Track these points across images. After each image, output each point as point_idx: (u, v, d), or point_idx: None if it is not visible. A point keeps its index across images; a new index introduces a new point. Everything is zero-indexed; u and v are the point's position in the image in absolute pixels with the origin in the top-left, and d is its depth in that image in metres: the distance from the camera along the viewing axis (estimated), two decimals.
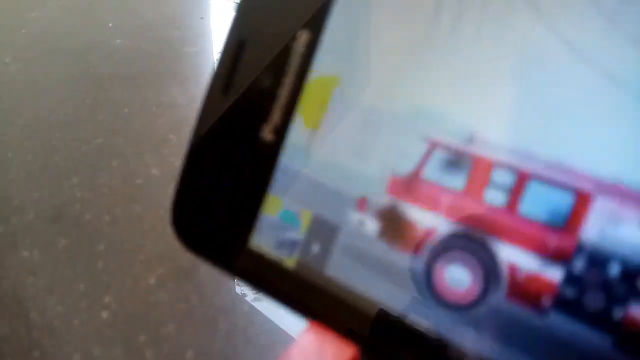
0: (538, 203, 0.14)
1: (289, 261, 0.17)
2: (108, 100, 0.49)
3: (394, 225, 0.15)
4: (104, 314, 0.29)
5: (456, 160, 0.15)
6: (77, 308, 0.30)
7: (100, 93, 0.50)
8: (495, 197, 0.14)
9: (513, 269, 0.14)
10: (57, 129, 0.45)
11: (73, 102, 0.48)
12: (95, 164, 0.41)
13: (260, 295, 0.17)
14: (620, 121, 0.13)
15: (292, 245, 0.17)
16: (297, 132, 0.17)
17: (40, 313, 0.28)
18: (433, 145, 0.15)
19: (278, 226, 0.17)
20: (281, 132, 0.17)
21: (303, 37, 0.17)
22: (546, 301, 0.13)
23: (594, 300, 0.13)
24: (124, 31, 0.64)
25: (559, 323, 0.13)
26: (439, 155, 0.15)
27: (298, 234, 0.17)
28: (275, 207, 0.17)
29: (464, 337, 0.14)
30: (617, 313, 0.12)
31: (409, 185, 0.15)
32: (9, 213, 0.36)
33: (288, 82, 0.17)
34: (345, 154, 0.16)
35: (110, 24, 0.66)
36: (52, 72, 0.53)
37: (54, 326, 0.28)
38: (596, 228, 0.13)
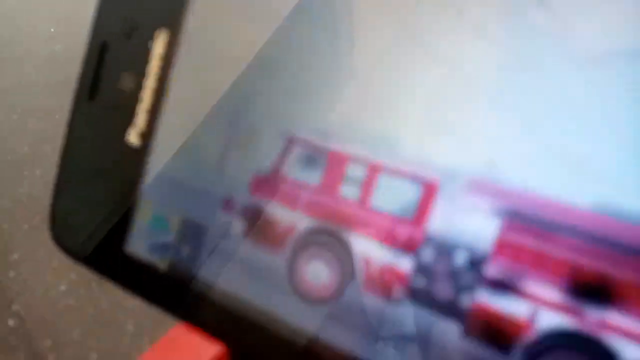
0: (388, 195, 0.13)
1: (162, 264, 0.16)
2: (39, 108, 0.47)
3: (258, 224, 0.15)
4: (10, 322, 0.28)
5: (313, 156, 0.14)
6: None
7: (32, 101, 0.48)
8: (349, 191, 0.13)
9: (367, 262, 0.13)
10: None
11: (2, 111, 0.46)
12: (18, 174, 0.39)
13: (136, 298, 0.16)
14: (465, 110, 0.13)
15: (163, 248, 0.16)
16: (164, 135, 0.16)
17: None
18: (291, 142, 0.14)
19: (150, 230, 0.16)
20: (147, 135, 0.16)
21: (162, 36, 0.16)
22: (398, 292, 0.13)
23: (442, 290, 0.12)
24: (66, 36, 0.62)
25: (411, 313, 0.12)
26: (297, 152, 0.14)
27: (169, 237, 0.16)
28: (147, 211, 0.16)
29: (327, 332, 0.13)
30: (465, 302, 0.12)
31: (271, 183, 0.14)
32: None
33: (150, 83, 0.16)
34: (210, 155, 0.16)
35: (52, 29, 0.63)
36: None
37: None
38: (442, 218, 0.12)
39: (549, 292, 0.11)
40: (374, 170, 0.13)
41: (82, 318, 0.28)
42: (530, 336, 0.11)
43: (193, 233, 0.15)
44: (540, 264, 0.11)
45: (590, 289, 0.11)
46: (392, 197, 0.12)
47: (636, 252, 0.11)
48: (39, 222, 0.34)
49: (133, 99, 0.16)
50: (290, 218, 0.13)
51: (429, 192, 0.12)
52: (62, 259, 0.28)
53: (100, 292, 0.28)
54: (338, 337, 0.13)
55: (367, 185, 0.13)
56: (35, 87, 0.50)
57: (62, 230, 0.17)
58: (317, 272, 0.13)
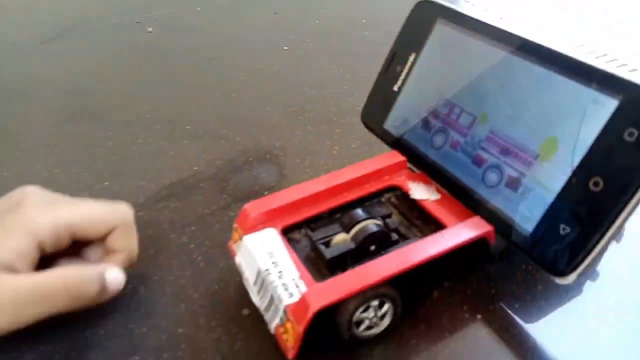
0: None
1: (396, 133, 0.39)
2: (310, 73, 0.68)
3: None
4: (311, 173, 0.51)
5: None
6: None
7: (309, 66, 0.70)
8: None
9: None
10: (269, 82, 0.64)
11: (287, 72, 0.67)
12: (296, 119, 0.61)
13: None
14: None
15: (395, 128, 0.40)
16: (407, 90, 0.39)
17: None
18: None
19: (393, 120, 0.40)
20: (400, 87, 0.39)
21: (412, 55, 0.38)
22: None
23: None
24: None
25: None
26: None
27: (398, 131, 0.39)
28: (391, 114, 0.40)
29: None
30: (473, 150, 0.35)
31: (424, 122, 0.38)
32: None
33: (406, 69, 0.38)
34: (412, 106, 0.41)
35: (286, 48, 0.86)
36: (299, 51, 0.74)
37: None
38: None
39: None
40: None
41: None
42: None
43: (403, 130, 0.39)
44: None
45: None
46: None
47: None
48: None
49: (398, 75, 0.39)
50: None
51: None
52: (314, 158, 0.49)
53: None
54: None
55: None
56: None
57: (366, 118, 0.42)
58: None
